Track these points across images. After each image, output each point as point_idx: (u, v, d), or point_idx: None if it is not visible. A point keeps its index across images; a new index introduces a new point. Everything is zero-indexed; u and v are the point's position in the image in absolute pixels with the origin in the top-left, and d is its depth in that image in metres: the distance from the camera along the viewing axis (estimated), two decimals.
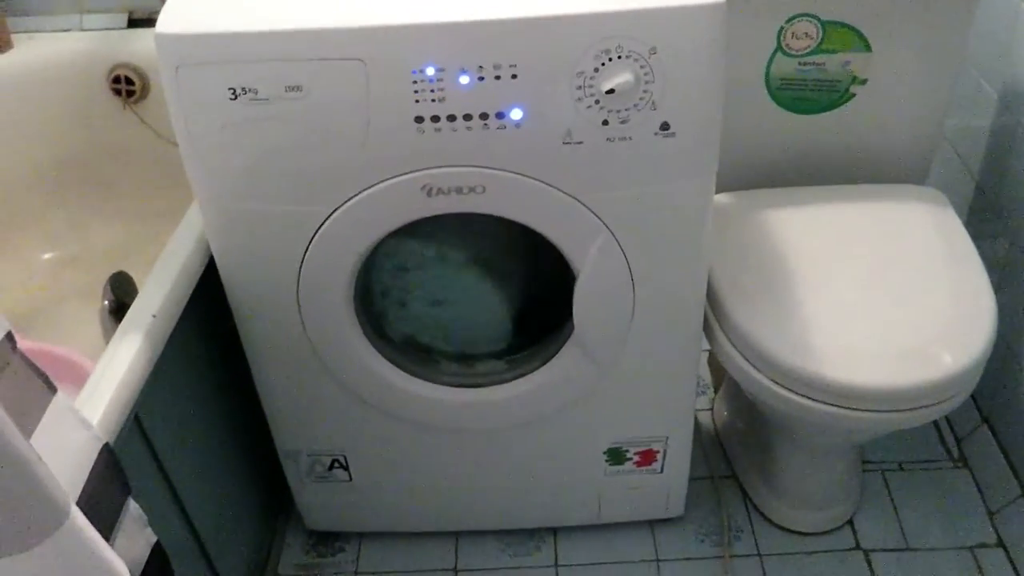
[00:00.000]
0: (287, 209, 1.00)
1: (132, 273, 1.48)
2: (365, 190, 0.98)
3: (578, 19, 0.89)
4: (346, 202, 0.99)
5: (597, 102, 0.93)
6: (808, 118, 1.32)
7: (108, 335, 1.41)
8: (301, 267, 1.04)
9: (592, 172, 0.97)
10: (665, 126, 0.95)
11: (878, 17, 1.23)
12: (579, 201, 0.99)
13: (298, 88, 0.92)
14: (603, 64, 0.91)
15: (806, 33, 1.25)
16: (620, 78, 0.91)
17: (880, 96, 1.29)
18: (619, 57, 0.90)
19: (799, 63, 1.27)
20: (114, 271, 1.48)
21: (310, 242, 1.02)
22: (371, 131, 0.93)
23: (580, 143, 0.95)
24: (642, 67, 0.91)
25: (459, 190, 0.98)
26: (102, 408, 0.89)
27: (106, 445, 0.79)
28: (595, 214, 1.00)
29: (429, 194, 0.98)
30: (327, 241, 1.01)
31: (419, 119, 0.93)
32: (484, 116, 0.93)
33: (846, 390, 1.06)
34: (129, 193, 1.54)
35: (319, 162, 0.96)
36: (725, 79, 0.95)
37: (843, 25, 1.24)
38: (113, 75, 1.44)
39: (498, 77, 0.91)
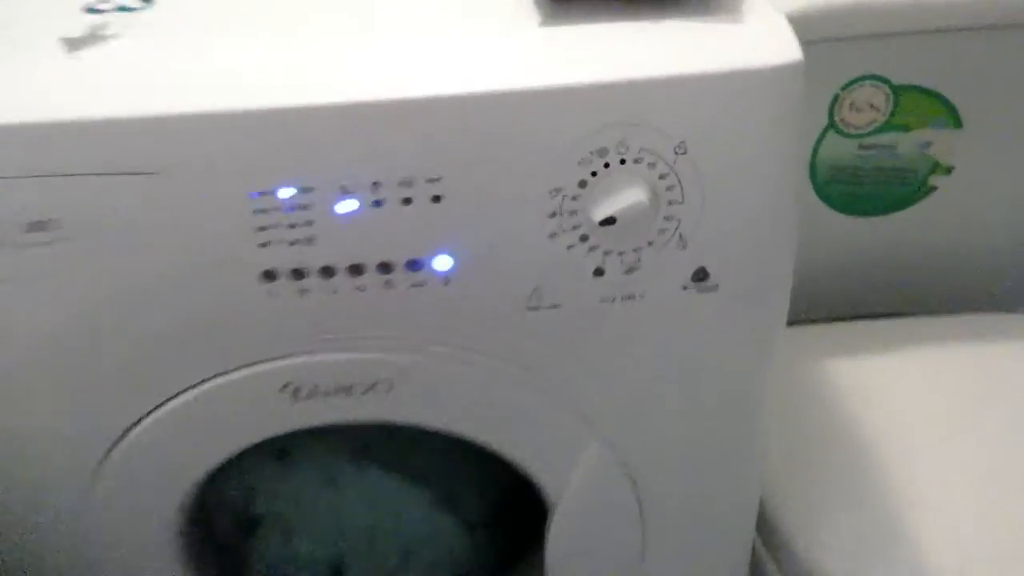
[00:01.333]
0: (54, 426, 0.58)
1: None
2: (177, 396, 0.56)
3: (552, 96, 0.49)
4: (145, 417, 0.57)
5: (585, 238, 0.53)
6: (868, 222, 0.93)
7: None
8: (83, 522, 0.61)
9: (576, 353, 0.57)
10: (701, 274, 0.55)
11: (974, 79, 0.85)
12: (554, 398, 0.59)
13: (46, 226, 0.51)
14: (594, 173, 0.51)
15: (871, 103, 0.86)
16: (625, 199, 0.51)
17: (971, 190, 0.91)
18: (622, 161, 0.51)
19: (859, 145, 0.89)
20: None
21: (95, 477, 0.59)
22: (180, 298, 0.52)
23: (556, 307, 0.55)
24: (662, 177, 0.51)
25: (346, 390, 0.57)
26: None
27: None
28: (581, 417, 0.60)
29: (295, 396, 0.57)
30: (123, 476, 0.59)
31: (269, 275, 0.52)
32: (385, 267, 0.52)
33: None
34: None
35: (90, 353, 0.54)
36: (797, 188, 0.56)
37: (923, 91, 0.86)
38: None
39: (408, 200, 0.50)
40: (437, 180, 0.50)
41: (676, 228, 0.53)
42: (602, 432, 0.61)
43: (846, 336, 0.93)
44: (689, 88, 0.50)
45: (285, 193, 0.50)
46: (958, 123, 0.88)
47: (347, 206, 0.50)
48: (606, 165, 0.51)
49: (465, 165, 0.50)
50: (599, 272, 0.54)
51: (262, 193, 0.50)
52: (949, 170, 0.91)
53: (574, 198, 0.51)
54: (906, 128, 0.88)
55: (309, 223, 0.51)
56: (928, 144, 0.89)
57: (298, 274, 0.52)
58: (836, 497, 0.77)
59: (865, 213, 0.94)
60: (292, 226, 0.51)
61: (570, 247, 0.53)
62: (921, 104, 0.86)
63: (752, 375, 0.60)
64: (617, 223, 0.51)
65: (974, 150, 0.89)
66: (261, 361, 0.55)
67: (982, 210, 0.93)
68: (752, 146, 0.51)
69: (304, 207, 0.50)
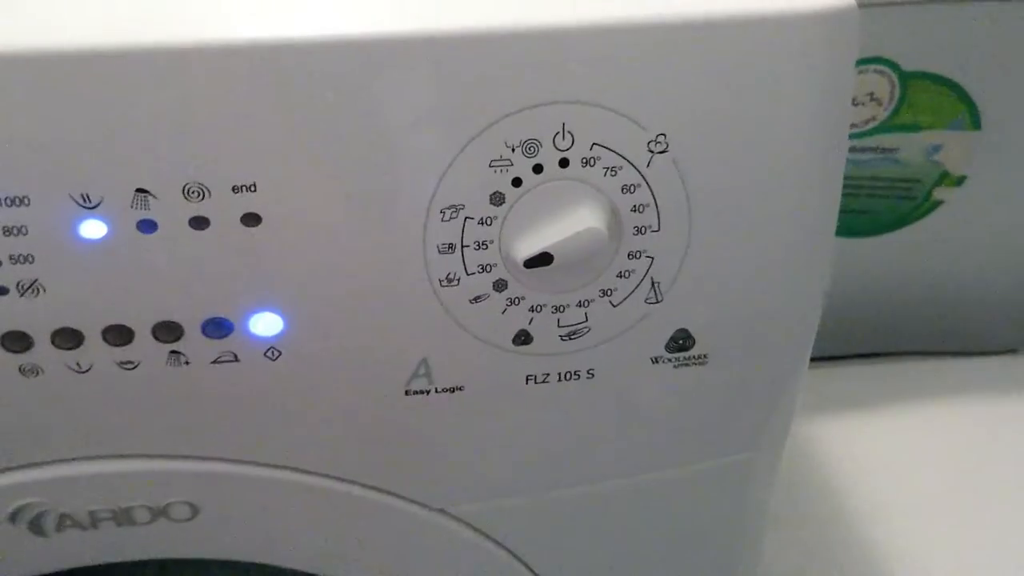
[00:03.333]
0: None
1: None
2: None
3: (440, 48, 0.29)
4: None
5: (501, 286, 0.32)
6: (860, 244, 0.76)
7: None
8: None
9: (483, 459, 0.37)
10: (682, 340, 0.35)
11: (1001, 68, 0.67)
12: (452, 518, 0.38)
13: None
14: (517, 183, 0.31)
15: (871, 95, 0.68)
16: (567, 224, 0.31)
17: (984, 206, 0.74)
18: (563, 163, 0.31)
19: (853, 149, 0.70)
20: None
21: None
22: None
23: (455, 391, 0.34)
24: (628, 190, 0.31)
25: (119, 517, 0.36)
26: None
27: None
28: (494, 540, 0.40)
29: (36, 528, 0.36)
30: None
31: None
32: (168, 330, 0.31)
33: None
34: None
35: None
36: (836, 209, 0.36)
37: (939, 80, 0.67)
38: None
39: (200, 222, 0.29)
40: (249, 189, 0.29)
41: (647, 270, 0.33)
42: (527, 563, 0.41)
43: (832, 382, 0.75)
44: (676, 45, 0.30)
45: None
46: (976, 123, 0.70)
47: (93, 229, 0.29)
48: (537, 169, 0.30)
49: (292, 169, 0.29)
50: (524, 338, 0.34)
51: None
52: (960, 181, 0.73)
53: (484, 221, 0.31)
54: (913, 127, 0.70)
55: (27, 258, 0.29)
56: (938, 148, 0.71)
57: (15, 342, 0.31)
58: None
59: (857, 233, 0.75)
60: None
61: (477, 299, 0.32)
62: (936, 97, 0.68)
63: (751, 491, 0.41)
64: (554, 263, 0.31)
65: (992, 157, 0.72)
66: None
67: (997, 231, 0.76)
68: (775, 140, 0.32)
69: (14, 231, 0.29)
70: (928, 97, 0.68)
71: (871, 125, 0.69)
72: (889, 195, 0.73)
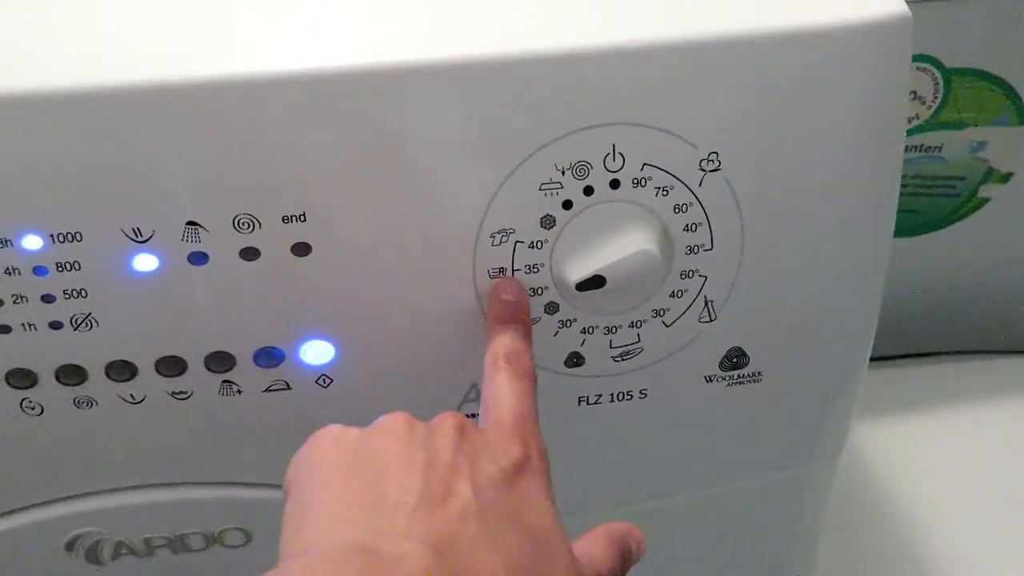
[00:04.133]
0: None
1: None
2: None
3: (487, 75, 0.28)
4: None
5: (553, 308, 0.32)
6: (905, 243, 0.74)
7: None
8: None
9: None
10: (736, 358, 0.35)
11: None
12: None
13: None
14: (568, 205, 0.30)
15: (915, 93, 0.67)
16: (619, 247, 0.31)
17: None
18: (614, 184, 0.30)
19: None
20: None
21: None
22: None
23: None
24: (680, 210, 0.31)
25: (174, 544, 0.36)
26: None
27: None
28: None
29: (93, 557, 0.36)
30: None
31: (19, 379, 0.31)
32: (222, 360, 0.31)
33: None
34: None
35: None
36: (893, 221, 0.36)
37: (983, 76, 0.66)
38: None
39: (251, 253, 0.29)
40: (299, 219, 0.29)
41: (700, 289, 0.33)
42: None
43: (879, 383, 0.74)
44: (724, 62, 0.29)
45: (31, 243, 0.29)
46: (1022, 119, 0.68)
47: (145, 263, 0.29)
48: (587, 191, 0.30)
49: (341, 198, 0.29)
50: (576, 360, 0.33)
51: None
52: (1007, 177, 0.72)
53: (535, 245, 0.31)
54: (958, 125, 0.68)
55: (80, 293, 0.29)
56: (983, 145, 0.70)
57: (70, 375, 0.31)
58: None
59: (900, 233, 0.74)
60: (49, 298, 0.29)
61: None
62: (981, 93, 0.67)
63: (806, 503, 0.40)
64: (606, 285, 0.31)
65: None
66: (24, 508, 0.34)
67: None
68: (828, 153, 0.31)
69: (68, 266, 0.29)
70: (972, 94, 0.67)
71: (915, 123, 0.68)
72: (934, 193, 0.72)
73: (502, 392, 0.27)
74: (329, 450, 0.25)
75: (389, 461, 0.24)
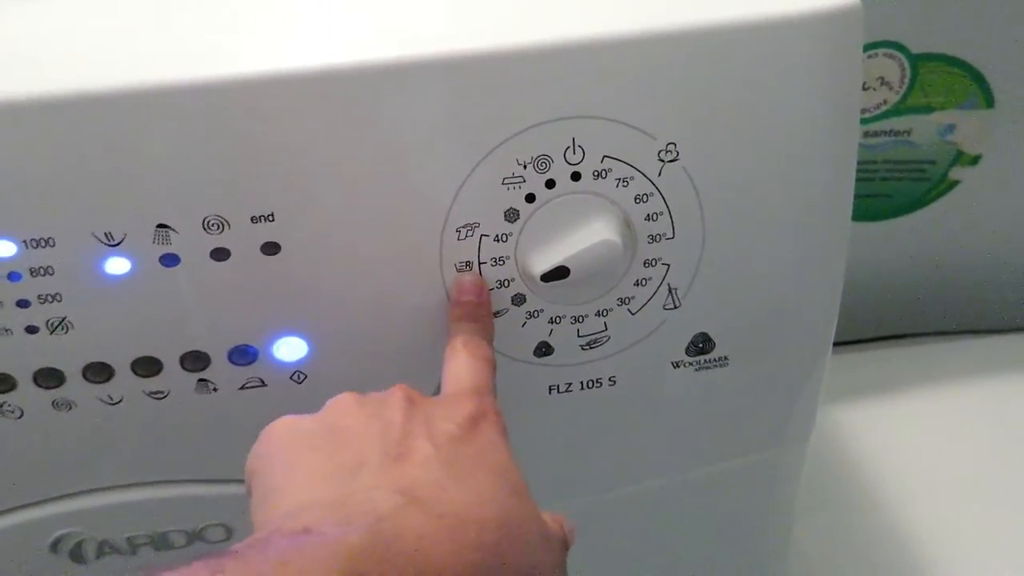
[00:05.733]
0: None
1: None
2: None
3: (448, 71, 0.29)
4: None
5: (520, 300, 0.33)
6: (876, 227, 0.75)
7: None
8: None
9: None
10: (701, 343, 0.35)
11: (1010, 45, 0.67)
12: None
13: None
14: (531, 199, 0.31)
15: (882, 79, 0.68)
16: (582, 237, 0.31)
17: (1000, 184, 0.73)
18: (575, 176, 0.31)
19: (866, 133, 0.70)
20: None
21: None
22: None
23: None
24: (640, 199, 0.32)
25: (156, 541, 0.36)
26: None
27: None
28: None
29: (77, 556, 0.36)
30: None
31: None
32: (196, 359, 0.32)
33: None
34: None
35: None
36: (849, 204, 0.37)
37: (949, 61, 0.67)
38: None
39: (220, 253, 0.30)
40: (268, 218, 0.30)
41: (663, 277, 0.33)
42: None
43: (851, 366, 0.75)
44: (680, 54, 0.30)
45: (4, 249, 0.29)
46: (990, 102, 0.69)
47: (117, 266, 0.30)
48: (549, 184, 0.31)
49: (307, 197, 0.30)
50: (545, 350, 0.34)
51: None
52: (975, 160, 0.73)
53: (499, 238, 0.31)
54: (926, 109, 0.69)
55: (55, 297, 0.30)
56: (951, 128, 0.71)
57: (48, 378, 0.32)
58: None
59: (872, 217, 0.75)
60: (24, 303, 0.30)
61: (497, 314, 0.33)
62: (947, 78, 0.67)
63: (778, 485, 0.41)
64: (571, 276, 0.31)
65: (1007, 134, 0.71)
66: (8, 510, 0.35)
67: (1014, 209, 0.75)
68: (784, 141, 0.32)
69: (42, 271, 0.30)
70: (939, 78, 0.68)
71: (883, 109, 0.69)
72: (904, 177, 0.73)
73: (459, 368, 0.29)
74: (284, 436, 0.26)
75: (345, 433, 0.25)
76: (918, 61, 0.67)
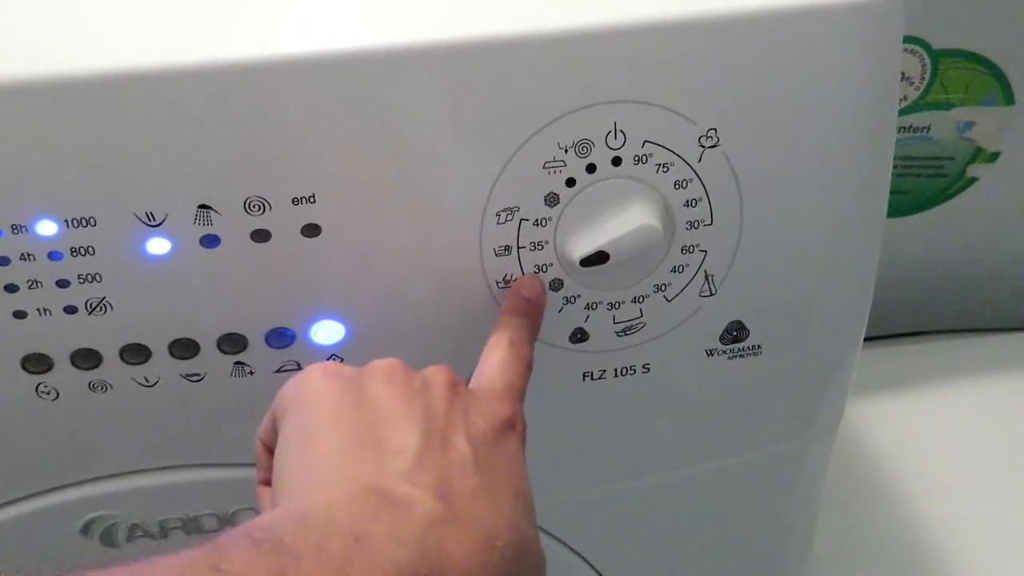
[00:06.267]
0: None
1: None
2: None
3: (489, 56, 0.29)
4: None
5: (558, 285, 0.33)
6: (894, 223, 0.75)
7: None
8: None
9: (547, 456, 0.37)
10: (736, 332, 0.35)
11: None
12: None
13: None
14: (571, 183, 0.31)
15: (903, 74, 0.67)
16: (621, 222, 0.31)
17: (1019, 182, 0.73)
18: (616, 162, 0.31)
19: None
20: None
21: None
22: None
23: None
24: (680, 186, 0.32)
25: (188, 525, 0.36)
26: None
27: None
28: (550, 535, 0.40)
29: (109, 540, 0.36)
30: None
31: (35, 363, 0.31)
32: (233, 341, 0.32)
33: None
34: None
35: None
36: (885, 197, 0.37)
37: (970, 57, 0.67)
38: None
39: (261, 235, 0.30)
40: (309, 200, 0.30)
41: (700, 264, 0.33)
42: (580, 552, 0.41)
43: (870, 362, 0.75)
44: (721, 40, 0.30)
45: (46, 229, 0.29)
46: (1009, 98, 0.69)
47: (158, 246, 0.30)
48: (590, 169, 0.31)
49: (349, 179, 0.30)
50: (580, 336, 0.34)
51: (9, 231, 0.29)
52: (994, 157, 0.73)
53: (539, 223, 0.31)
54: (945, 105, 0.69)
55: (95, 277, 0.30)
56: (970, 125, 0.71)
57: (85, 359, 0.32)
58: None
59: (890, 213, 0.74)
60: (64, 283, 0.30)
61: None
62: (968, 74, 0.67)
63: (804, 477, 0.41)
64: (610, 261, 0.31)
65: None
66: (40, 492, 0.35)
67: None
68: (823, 129, 0.32)
69: (82, 251, 0.29)
70: (959, 74, 0.68)
71: (903, 104, 0.69)
72: (923, 174, 0.73)
73: (498, 363, 0.29)
74: (323, 383, 0.26)
75: (388, 406, 0.25)
76: (939, 57, 0.67)
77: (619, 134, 0.30)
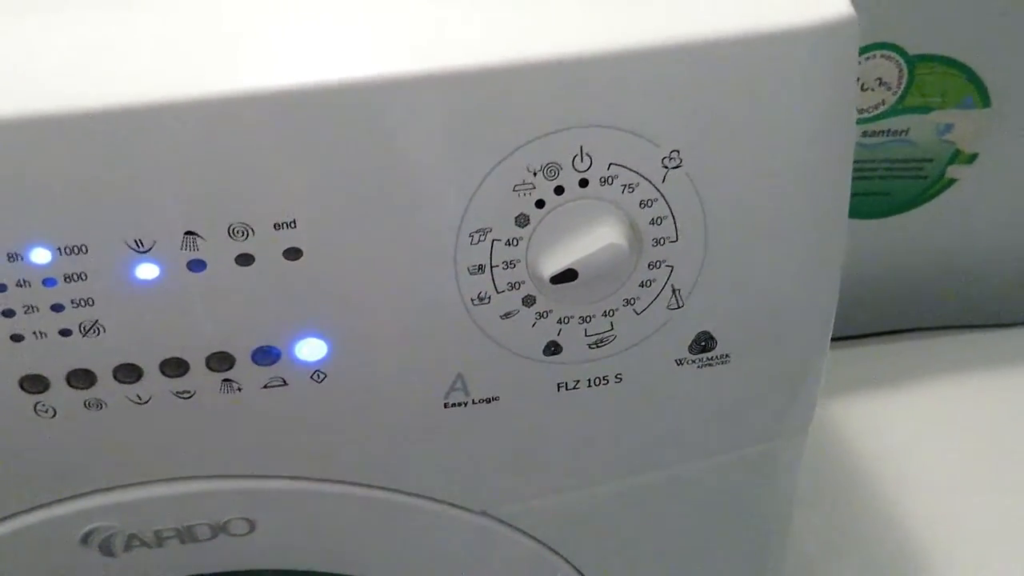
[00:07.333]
0: None
1: None
2: None
3: (461, 85, 0.30)
4: None
5: (530, 301, 0.34)
6: (875, 224, 0.77)
7: None
8: None
9: (523, 466, 0.39)
10: (704, 342, 0.37)
11: (1006, 46, 0.68)
12: (494, 519, 0.40)
13: None
14: (540, 204, 0.32)
15: (880, 80, 0.69)
16: (589, 241, 0.33)
17: (998, 181, 0.75)
18: (583, 183, 0.32)
19: (865, 133, 0.71)
20: None
21: None
22: None
23: (492, 401, 0.36)
24: (645, 204, 0.33)
25: (182, 535, 0.38)
26: None
27: None
28: (534, 538, 0.42)
29: (106, 550, 0.38)
30: None
31: (33, 383, 0.33)
32: (221, 360, 0.34)
33: None
34: None
35: None
36: (846, 207, 0.38)
37: (946, 61, 0.68)
38: None
39: (245, 259, 0.32)
40: (289, 225, 0.31)
41: (667, 278, 0.35)
42: (564, 555, 0.43)
43: (852, 361, 0.77)
44: (683, 66, 0.32)
45: (40, 256, 0.31)
46: (986, 101, 0.71)
47: (147, 271, 0.31)
48: (558, 191, 0.32)
49: (328, 204, 0.31)
50: (554, 348, 0.36)
51: (5, 259, 0.30)
52: (972, 158, 0.74)
53: (510, 242, 0.33)
54: (924, 108, 0.71)
55: (87, 302, 0.31)
56: (949, 127, 0.72)
57: (80, 379, 0.33)
58: None
59: (872, 214, 0.77)
60: (58, 307, 0.31)
61: (508, 315, 0.34)
62: (944, 78, 0.69)
63: (777, 477, 0.43)
64: (579, 278, 0.33)
65: (1003, 133, 0.73)
66: (41, 505, 0.36)
67: (1011, 205, 0.76)
68: (783, 148, 0.34)
69: (75, 277, 0.31)
70: (936, 79, 0.69)
71: (881, 109, 0.70)
72: (902, 176, 0.74)
73: None
74: None
75: None
76: (915, 62, 0.68)
77: (585, 157, 0.32)
